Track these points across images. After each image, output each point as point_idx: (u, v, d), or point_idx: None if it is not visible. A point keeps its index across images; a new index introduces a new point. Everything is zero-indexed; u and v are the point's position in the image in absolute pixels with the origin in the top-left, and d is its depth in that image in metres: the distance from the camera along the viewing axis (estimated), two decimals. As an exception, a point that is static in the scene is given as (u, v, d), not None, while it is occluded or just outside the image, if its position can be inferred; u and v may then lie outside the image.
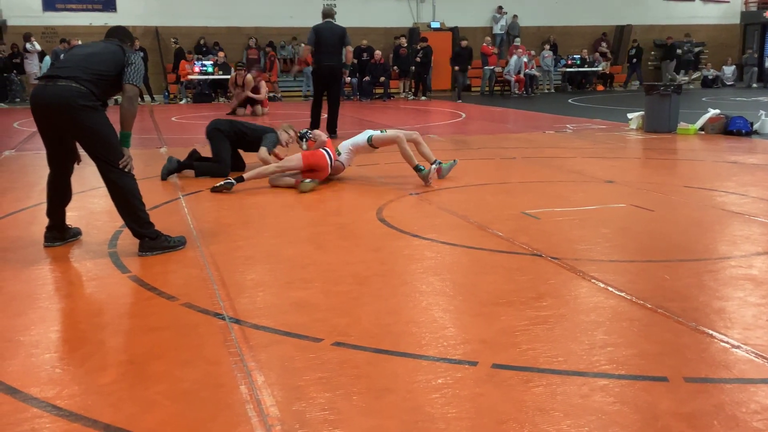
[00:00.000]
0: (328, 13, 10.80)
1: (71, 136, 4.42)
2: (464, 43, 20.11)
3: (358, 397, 2.55)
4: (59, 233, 4.73)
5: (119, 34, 4.69)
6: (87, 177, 6.15)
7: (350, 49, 10.74)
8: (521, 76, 21.19)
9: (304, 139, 7.10)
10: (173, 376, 2.75)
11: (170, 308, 3.52)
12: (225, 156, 7.30)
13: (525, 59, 21.29)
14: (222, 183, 6.47)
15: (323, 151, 6.71)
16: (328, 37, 10.44)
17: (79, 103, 4.20)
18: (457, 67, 19.89)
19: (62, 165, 4.60)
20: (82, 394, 2.62)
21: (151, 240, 4.44)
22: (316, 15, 22.61)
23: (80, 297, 3.79)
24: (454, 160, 7.19)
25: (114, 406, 2.52)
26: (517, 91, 21.18)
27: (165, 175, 7.21)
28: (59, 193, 4.66)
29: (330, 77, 10.66)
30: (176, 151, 9.40)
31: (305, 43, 10.66)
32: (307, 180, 6.51)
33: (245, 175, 6.54)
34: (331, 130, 10.54)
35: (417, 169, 6.69)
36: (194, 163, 7.37)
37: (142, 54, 4.68)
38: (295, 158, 6.64)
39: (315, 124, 10.33)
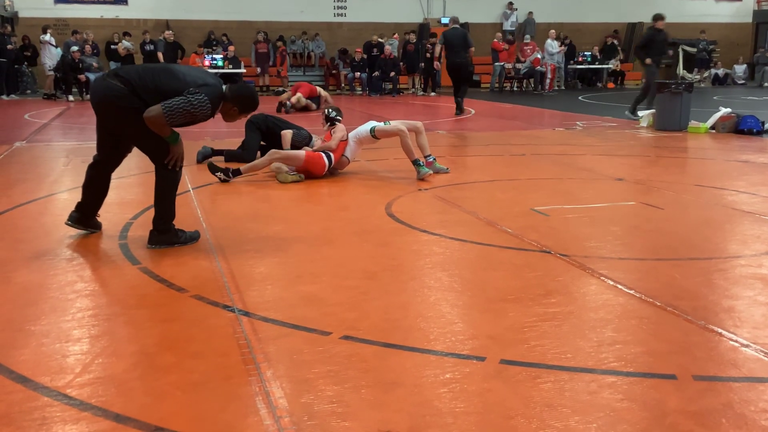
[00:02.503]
0: (454, 20, 13.85)
1: (119, 132, 4.41)
2: (660, 24, 12.66)
3: (366, 390, 2.56)
4: (84, 218, 4.68)
5: (233, 88, 4.41)
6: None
7: (472, 49, 13.18)
8: (553, 63, 21.04)
9: (329, 123, 7.13)
10: (183, 367, 2.77)
11: (180, 300, 3.54)
12: (252, 145, 7.89)
13: (538, 55, 21.23)
14: (222, 170, 6.65)
15: (324, 159, 6.77)
16: (453, 40, 13.11)
17: (118, 104, 4.16)
18: (649, 60, 12.40)
19: (108, 154, 4.56)
20: (92, 384, 2.63)
21: (160, 234, 4.44)
22: (326, 10, 23.11)
23: (91, 287, 3.81)
24: (447, 168, 7.15)
25: (125, 396, 2.54)
26: (547, 88, 20.97)
27: (200, 160, 7.79)
28: (96, 183, 4.62)
29: (456, 70, 13.40)
30: (186, 144, 9.43)
31: (439, 44, 13.66)
32: (293, 173, 6.64)
33: (242, 168, 6.78)
34: (458, 108, 13.72)
35: (415, 163, 6.71)
36: (224, 150, 7.99)
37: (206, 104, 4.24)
38: (299, 155, 6.73)
39: (459, 107, 13.68)
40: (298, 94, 14.75)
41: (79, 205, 4.68)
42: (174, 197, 4.48)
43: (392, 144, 7.49)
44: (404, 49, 21.19)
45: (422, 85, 21.19)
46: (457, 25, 13.50)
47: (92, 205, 4.71)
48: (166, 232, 4.46)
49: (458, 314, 3.40)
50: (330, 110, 7.30)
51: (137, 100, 4.13)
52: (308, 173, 6.75)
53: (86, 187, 4.65)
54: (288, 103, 14.51)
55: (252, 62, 21.10)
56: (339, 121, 7.20)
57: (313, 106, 14.81)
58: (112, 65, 18.39)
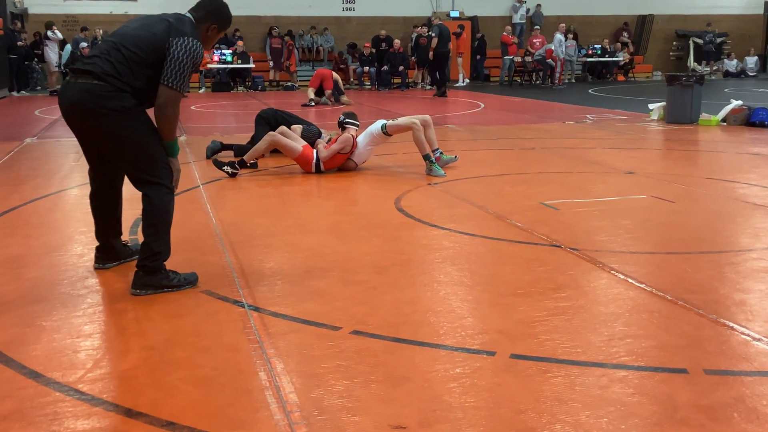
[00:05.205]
0: (438, 16, 18.74)
1: (101, 145, 3.57)
2: None
3: (376, 385, 2.56)
4: (111, 254, 4.00)
5: (198, 7, 3.63)
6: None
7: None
8: (561, 57, 20.90)
9: (341, 127, 7.06)
10: (193, 362, 2.78)
11: (190, 295, 3.54)
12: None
13: (551, 46, 21.10)
14: (227, 164, 6.72)
15: (313, 161, 6.83)
16: (445, 33, 17.37)
17: (104, 106, 3.37)
18: None
19: (104, 177, 3.79)
20: (103, 379, 2.65)
21: (147, 274, 3.56)
22: (334, 5, 23.14)
23: (101, 283, 3.82)
24: (455, 156, 7.15)
25: (135, 391, 2.55)
26: (556, 82, 20.81)
27: (209, 155, 7.76)
28: (104, 214, 3.89)
29: (445, 60, 18.02)
30: (195, 139, 9.48)
31: (434, 35, 17.46)
32: None
33: (245, 157, 6.91)
34: (445, 91, 17.45)
35: (426, 158, 6.68)
36: (234, 145, 7.96)
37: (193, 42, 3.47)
38: (296, 147, 6.82)
39: (441, 85, 17.60)
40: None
41: (98, 248, 4.00)
42: (169, 227, 3.62)
43: (401, 138, 7.48)
44: (416, 43, 20.99)
45: (429, 79, 21.05)
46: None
47: (111, 241, 3.98)
48: (155, 272, 3.56)
49: (468, 309, 3.39)
50: (343, 116, 7.17)
51: (128, 94, 3.41)
52: (299, 162, 6.90)
53: (99, 232, 3.94)
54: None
55: (267, 57, 21.06)
56: (353, 126, 6.94)
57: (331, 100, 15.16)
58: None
